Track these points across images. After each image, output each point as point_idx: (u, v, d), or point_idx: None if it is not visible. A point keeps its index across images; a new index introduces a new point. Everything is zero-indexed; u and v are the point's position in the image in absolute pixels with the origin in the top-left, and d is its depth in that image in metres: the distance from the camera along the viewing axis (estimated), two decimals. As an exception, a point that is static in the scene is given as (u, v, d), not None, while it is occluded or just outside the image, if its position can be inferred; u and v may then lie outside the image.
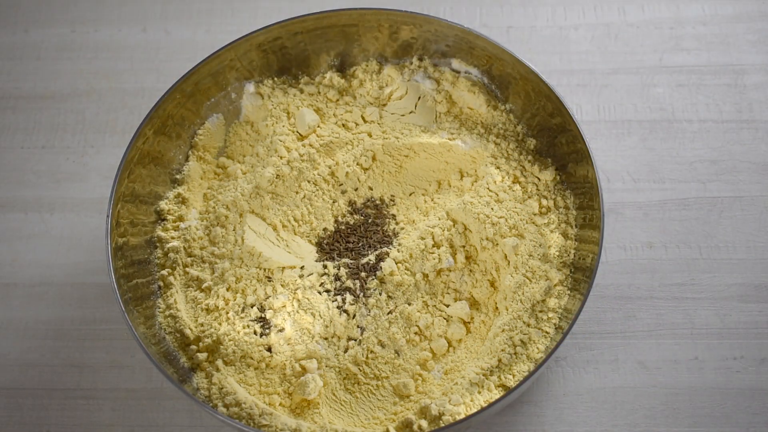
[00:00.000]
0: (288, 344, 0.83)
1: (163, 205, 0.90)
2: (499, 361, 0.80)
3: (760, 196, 0.94)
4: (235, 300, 0.86)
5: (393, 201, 0.92)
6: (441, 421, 0.76)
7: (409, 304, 0.85)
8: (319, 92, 0.95)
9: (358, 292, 0.87)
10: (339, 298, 0.86)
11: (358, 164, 0.91)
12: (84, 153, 1.00)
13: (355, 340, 0.84)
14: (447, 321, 0.85)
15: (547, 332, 0.81)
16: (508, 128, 0.92)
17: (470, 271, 0.86)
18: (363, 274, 0.87)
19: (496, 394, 0.78)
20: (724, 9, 1.05)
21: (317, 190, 0.91)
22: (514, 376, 0.79)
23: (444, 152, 0.91)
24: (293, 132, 0.93)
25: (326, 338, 0.84)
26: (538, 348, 0.80)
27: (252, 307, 0.85)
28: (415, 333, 0.84)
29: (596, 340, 0.87)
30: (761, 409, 0.84)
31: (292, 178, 0.90)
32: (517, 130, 0.92)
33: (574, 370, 0.86)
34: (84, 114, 1.02)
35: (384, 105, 0.95)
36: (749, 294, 0.89)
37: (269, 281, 0.86)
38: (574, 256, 0.84)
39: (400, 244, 0.89)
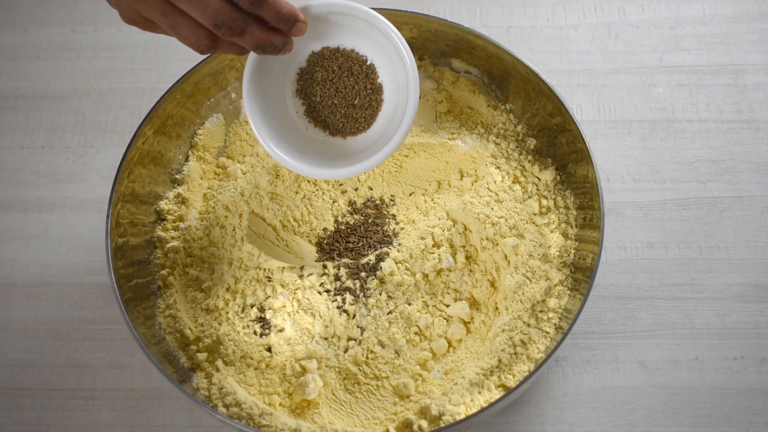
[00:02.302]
0: (288, 344, 0.83)
1: (163, 205, 0.90)
2: (499, 361, 0.80)
3: (760, 196, 0.94)
4: (234, 300, 0.86)
5: (393, 201, 0.92)
6: (441, 421, 0.76)
7: (409, 304, 0.85)
8: (319, 92, 0.95)
9: (358, 292, 0.87)
10: (339, 298, 0.86)
11: (358, 164, 0.91)
12: (84, 153, 1.00)
13: (355, 340, 0.84)
14: (447, 321, 0.85)
15: (547, 332, 0.81)
16: (508, 128, 0.92)
17: (470, 271, 0.86)
18: (363, 274, 0.87)
19: (496, 394, 0.78)
20: (724, 9, 1.05)
21: (317, 190, 0.91)
22: (514, 376, 0.79)
23: (444, 152, 0.91)
24: (293, 132, 0.93)
25: (326, 338, 0.84)
26: (538, 348, 0.80)
27: (252, 308, 0.85)
28: (415, 333, 0.84)
29: (596, 340, 0.87)
30: (761, 409, 0.84)
31: (291, 178, 0.90)
32: (517, 130, 0.92)
33: (574, 370, 0.86)
34: (84, 114, 1.02)
35: (384, 105, 0.95)
36: (749, 294, 0.89)
37: (269, 281, 0.86)
38: (574, 256, 0.84)
39: (400, 244, 0.89)
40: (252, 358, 0.83)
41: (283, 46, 0.71)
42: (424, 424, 0.77)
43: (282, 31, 0.71)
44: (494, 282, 0.86)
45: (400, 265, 0.87)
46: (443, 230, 0.87)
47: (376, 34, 0.76)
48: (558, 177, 0.89)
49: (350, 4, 0.75)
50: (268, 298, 0.86)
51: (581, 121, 0.98)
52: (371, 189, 0.92)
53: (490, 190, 0.87)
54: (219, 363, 0.82)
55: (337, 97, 0.79)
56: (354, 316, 0.85)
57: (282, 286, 0.86)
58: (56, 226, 0.96)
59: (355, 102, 0.79)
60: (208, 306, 0.85)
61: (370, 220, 0.91)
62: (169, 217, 0.89)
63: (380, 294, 0.86)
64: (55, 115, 1.02)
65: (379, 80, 0.79)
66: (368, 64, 0.78)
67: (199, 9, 0.66)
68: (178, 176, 0.92)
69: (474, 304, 0.86)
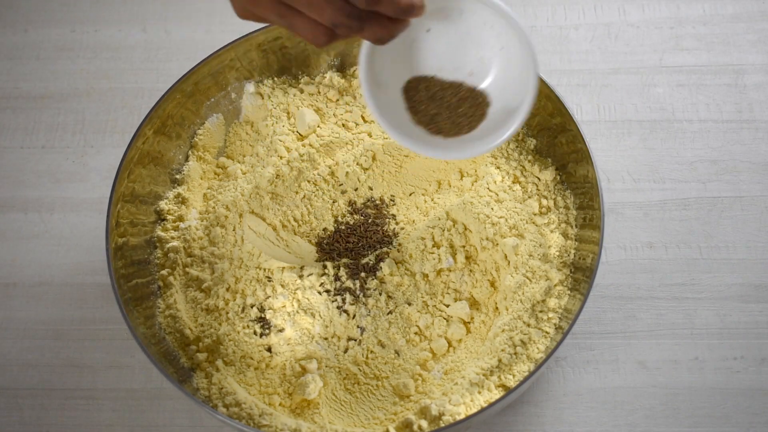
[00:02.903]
0: (288, 344, 0.83)
1: (163, 205, 0.90)
2: (499, 361, 0.80)
3: (760, 196, 0.94)
4: (234, 300, 0.86)
5: (393, 201, 0.92)
6: (441, 421, 0.76)
7: (409, 305, 0.85)
8: (319, 92, 0.95)
9: (357, 292, 0.87)
10: (339, 298, 0.86)
11: (358, 164, 0.91)
12: (84, 153, 1.00)
13: (355, 341, 0.84)
14: (447, 321, 0.85)
15: (547, 332, 0.81)
16: (508, 128, 0.92)
17: (470, 271, 0.86)
18: (363, 274, 0.87)
19: (496, 394, 0.78)
20: (724, 9, 1.05)
21: (317, 190, 0.91)
22: (514, 376, 0.79)
23: (444, 152, 0.91)
24: (293, 132, 0.93)
25: (326, 338, 0.84)
26: (538, 348, 0.80)
27: (252, 308, 0.85)
28: (415, 333, 0.84)
29: (596, 340, 0.87)
30: (761, 409, 0.84)
31: (291, 178, 0.90)
32: (517, 130, 0.92)
33: (574, 370, 0.86)
34: (84, 114, 1.02)
35: (384, 105, 0.95)
36: (749, 294, 0.89)
37: (269, 281, 0.86)
38: (574, 256, 0.84)
39: (400, 244, 0.89)
40: (252, 358, 0.83)
41: (401, 32, 0.69)
42: (424, 424, 0.77)
43: (401, 20, 0.68)
44: (494, 282, 0.85)
45: (399, 265, 0.87)
46: (443, 230, 0.87)
47: (491, 16, 0.72)
48: (558, 177, 0.89)
49: None
50: (268, 298, 0.86)
51: (581, 121, 0.98)
52: (371, 189, 0.92)
53: (490, 190, 0.87)
54: (219, 363, 0.82)
55: (441, 108, 0.76)
56: (354, 316, 0.85)
57: (282, 286, 0.86)
58: (56, 226, 0.96)
59: (459, 111, 0.76)
60: (208, 306, 0.85)
61: (370, 220, 0.91)
62: (169, 217, 0.89)
63: (380, 294, 0.86)
64: (55, 115, 1.02)
65: (483, 89, 0.74)
66: (480, 92, 0.74)
67: (317, 11, 0.65)
68: (178, 176, 0.92)
69: (474, 304, 0.86)
